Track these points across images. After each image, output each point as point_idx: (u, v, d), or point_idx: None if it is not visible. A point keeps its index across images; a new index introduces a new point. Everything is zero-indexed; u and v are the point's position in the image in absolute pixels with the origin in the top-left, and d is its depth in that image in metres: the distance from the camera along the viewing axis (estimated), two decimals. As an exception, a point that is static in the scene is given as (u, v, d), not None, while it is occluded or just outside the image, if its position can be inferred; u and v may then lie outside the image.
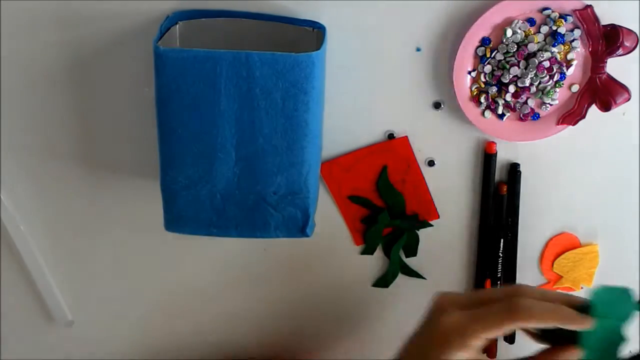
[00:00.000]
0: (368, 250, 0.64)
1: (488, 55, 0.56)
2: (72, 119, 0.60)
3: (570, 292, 0.66)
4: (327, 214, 0.63)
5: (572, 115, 0.58)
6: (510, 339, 0.67)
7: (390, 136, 0.60)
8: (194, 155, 0.53)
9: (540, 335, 0.48)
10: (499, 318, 0.45)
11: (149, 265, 0.65)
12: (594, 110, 0.58)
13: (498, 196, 0.62)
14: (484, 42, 0.56)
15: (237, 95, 0.51)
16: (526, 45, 0.56)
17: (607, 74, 0.57)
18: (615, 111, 0.58)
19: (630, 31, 0.55)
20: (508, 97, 0.57)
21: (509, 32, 0.55)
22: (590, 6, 0.55)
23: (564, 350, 0.47)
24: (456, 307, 0.48)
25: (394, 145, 0.61)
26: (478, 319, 0.46)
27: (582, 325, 0.45)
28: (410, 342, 0.50)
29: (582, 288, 0.66)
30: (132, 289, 0.66)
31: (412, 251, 0.64)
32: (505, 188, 0.62)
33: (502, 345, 0.67)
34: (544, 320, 0.45)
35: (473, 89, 0.58)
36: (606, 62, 0.56)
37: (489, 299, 0.47)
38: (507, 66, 0.56)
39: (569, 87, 0.58)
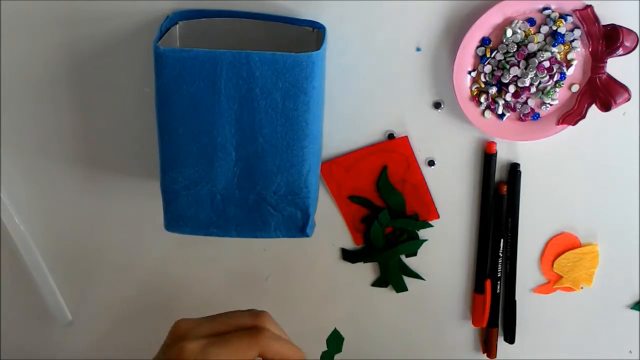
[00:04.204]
0: (373, 263, 0.64)
1: (488, 55, 0.56)
2: (72, 119, 0.60)
3: (570, 292, 0.66)
4: (327, 214, 0.63)
5: (572, 115, 0.58)
6: (510, 338, 0.67)
7: (390, 136, 0.60)
8: (194, 155, 0.53)
9: None
10: (241, 347, 0.45)
11: (149, 265, 0.65)
12: (594, 110, 0.58)
13: (498, 196, 0.62)
14: (484, 42, 0.56)
15: (237, 95, 0.51)
16: (526, 45, 0.56)
17: (607, 74, 0.57)
18: (615, 111, 0.58)
19: (630, 31, 0.55)
20: (508, 97, 0.57)
21: (509, 32, 0.55)
22: (590, 6, 0.55)
23: None
24: (198, 333, 0.47)
25: (394, 145, 0.61)
26: (222, 345, 0.45)
27: None
28: None
29: (582, 288, 0.66)
30: (132, 289, 0.66)
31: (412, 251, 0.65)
32: (505, 188, 0.62)
33: (502, 345, 0.67)
34: (281, 357, 0.45)
35: (473, 89, 0.58)
36: (606, 62, 0.56)
37: (234, 325, 0.47)
38: (507, 66, 0.56)
39: (569, 87, 0.58)
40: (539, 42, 0.56)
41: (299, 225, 0.55)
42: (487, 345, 0.67)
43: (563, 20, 0.55)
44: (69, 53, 0.57)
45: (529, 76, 0.56)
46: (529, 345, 0.68)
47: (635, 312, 0.67)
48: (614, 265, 0.65)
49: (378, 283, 0.66)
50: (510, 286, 0.65)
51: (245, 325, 0.47)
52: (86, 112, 0.59)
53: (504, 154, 0.61)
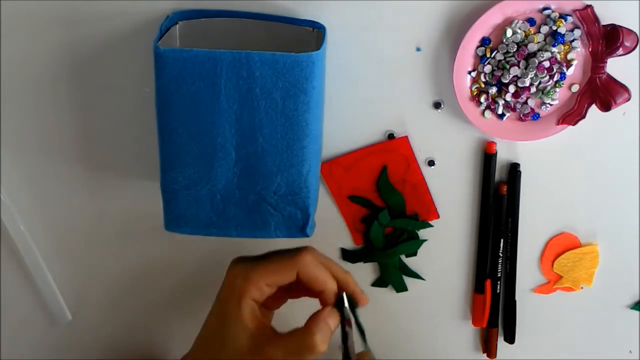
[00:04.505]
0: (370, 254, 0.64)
1: (488, 55, 0.56)
2: (72, 119, 0.60)
3: (570, 292, 0.66)
4: (327, 214, 0.63)
5: (572, 115, 0.58)
6: (510, 338, 0.67)
7: (390, 136, 0.60)
8: (194, 155, 0.53)
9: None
10: (280, 266, 0.51)
11: (149, 265, 0.65)
12: (594, 110, 0.58)
13: (498, 196, 0.62)
14: (484, 42, 0.56)
15: (237, 95, 0.51)
16: (526, 45, 0.56)
17: (607, 74, 0.57)
18: (615, 111, 0.58)
19: (630, 31, 0.55)
20: (508, 97, 0.57)
21: (509, 32, 0.55)
22: (590, 6, 0.55)
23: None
24: (247, 260, 0.53)
25: (394, 145, 0.61)
26: (262, 265, 0.52)
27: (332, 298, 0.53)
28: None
29: (582, 288, 0.66)
30: (132, 289, 0.66)
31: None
32: (505, 188, 0.62)
33: (502, 345, 0.67)
34: (316, 280, 0.52)
35: (473, 89, 0.58)
36: (606, 62, 0.56)
37: (279, 254, 0.53)
38: (507, 66, 0.56)
39: (569, 87, 0.58)
40: (539, 42, 0.56)
41: (299, 225, 0.55)
42: (487, 345, 0.67)
43: (563, 20, 0.55)
44: (69, 53, 0.57)
45: (529, 76, 0.56)
46: (529, 345, 0.68)
47: (635, 312, 0.67)
48: (614, 265, 0.65)
49: (378, 283, 0.66)
50: (510, 286, 0.65)
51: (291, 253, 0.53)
52: (86, 112, 0.60)
53: (504, 154, 0.61)
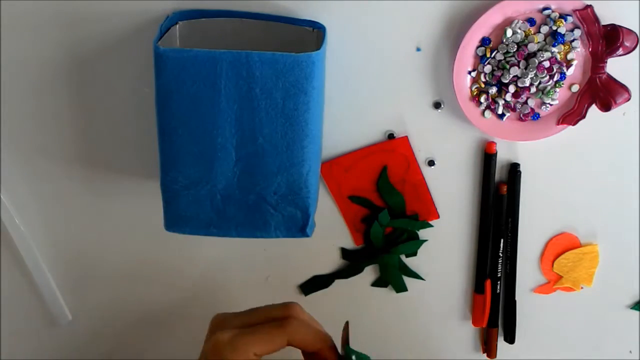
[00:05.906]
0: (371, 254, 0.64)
1: (488, 55, 0.56)
2: (72, 119, 0.60)
3: (570, 292, 0.66)
4: (327, 214, 0.63)
5: (572, 115, 0.58)
6: (510, 338, 0.67)
7: (390, 136, 0.60)
8: (194, 155, 0.53)
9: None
10: (269, 335, 0.49)
11: (148, 265, 0.65)
12: (594, 110, 0.58)
13: (498, 196, 0.62)
14: (484, 42, 0.56)
15: (237, 95, 0.51)
16: (526, 45, 0.56)
17: (607, 74, 0.57)
18: (615, 111, 0.58)
19: (630, 31, 0.55)
20: (508, 97, 0.57)
21: (509, 32, 0.55)
22: (590, 6, 0.55)
23: None
24: (232, 324, 0.50)
25: (394, 145, 0.61)
26: (250, 334, 0.49)
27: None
28: None
29: (582, 288, 0.66)
30: (132, 289, 0.66)
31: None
32: (505, 188, 0.62)
33: (502, 345, 0.67)
34: (308, 343, 0.49)
35: (473, 89, 0.58)
36: (606, 62, 0.56)
37: (264, 317, 0.50)
38: (507, 66, 0.56)
39: (569, 87, 0.58)
40: (539, 42, 0.56)
41: (299, 225, 0.55)
42: (487, 345, 0.67)
43: (563, 20, 0.55)
44: (69, 53, 0.57)
45: (529, 76, 0.56)
46: (529, 345, 0.68)
47: (635, 312, 0.67)
48: (614, 265, 0.65)
49: (378, 283, 0.66)
50: (510, 286, 0.65)
51: (277, 317, 0.50)
52: (86, 112, 0.60)
53: (504, 154, 0.61)
